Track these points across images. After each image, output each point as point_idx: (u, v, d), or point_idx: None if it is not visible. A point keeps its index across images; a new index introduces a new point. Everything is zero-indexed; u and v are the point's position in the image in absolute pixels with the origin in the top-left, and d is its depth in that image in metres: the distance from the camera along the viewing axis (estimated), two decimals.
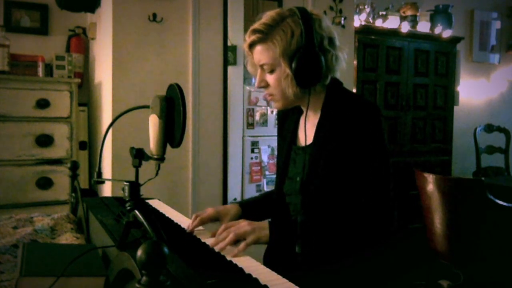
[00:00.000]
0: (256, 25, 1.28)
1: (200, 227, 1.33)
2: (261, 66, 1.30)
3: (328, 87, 1.33)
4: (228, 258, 1.07)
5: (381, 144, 1.24)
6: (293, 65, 1.23)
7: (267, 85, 1.32)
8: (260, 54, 1.28)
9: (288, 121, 1.48)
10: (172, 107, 1.10)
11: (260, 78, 1.32)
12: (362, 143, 1.22)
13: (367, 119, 1.24)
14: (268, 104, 4.39)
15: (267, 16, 1.28)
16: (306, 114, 1.34)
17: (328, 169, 1.25)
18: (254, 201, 1.56)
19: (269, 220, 1.24)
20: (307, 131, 1.35)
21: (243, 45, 1.37)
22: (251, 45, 1.30)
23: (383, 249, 1.25)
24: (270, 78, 1.30)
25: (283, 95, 1.30)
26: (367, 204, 1.22)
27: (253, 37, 1.28)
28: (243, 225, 1.18)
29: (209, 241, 1.20)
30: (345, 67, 1.33)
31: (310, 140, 1.33)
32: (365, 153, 1.22)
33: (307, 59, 1.23)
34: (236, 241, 1.15)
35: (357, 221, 1.21)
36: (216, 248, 1.13)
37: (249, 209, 1.45)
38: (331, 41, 1.28)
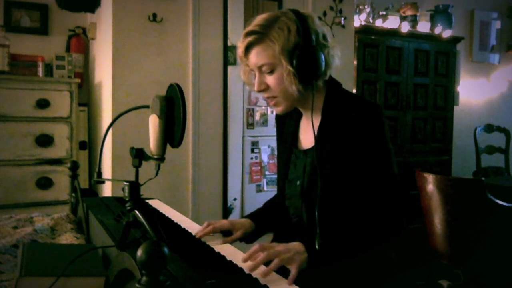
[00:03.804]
0: (250, 28, 1.24)
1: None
2: (259, 68, 1.26)
3: (328, 88, 1.31)
4: (254, 275, 1.00)
5: (385, 144, 1.23)
6: (294, 60, 1.20)
7: (267, 88, 1.27)
8: (258, 55, 1.24)
9: (286, 124, 1.46)
10: (172, 107, 1.10)
11: (260, 81, 1.27)
12: (365, 144, 1.21)
13: (369, 119, 1.22)
14: (268, 104, 4.38)
15: (259, 18, 1.25)
16: (312, 113, 1.27)
17: (332, 172, 1.24)
18: (263, 212, 1.50)
19: (301, 241, 1.13)
20: (308, 134, 1.34)
21: (237, 51, 1.31)
22: (247, 48, 1.26)
23: (383, 249, 1.25)
24: (271, 79, 1.25)
25: (286, 94, 1.26)
26: (376, 205, 1.21)
27: (249, 39, 1.24)
28: (281, 249, 1.07)
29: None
30: (339, 64, 1.30)
31: (311, 143, 1.32)
32: (370, 154, 1.21)
33: (308, 53, 1.21)
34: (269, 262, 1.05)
35: (368, 222, 1.21)
36: (247, 268, 1.01)
37: (261, 222, 1.41)
38: (325, 37, 1.27)
